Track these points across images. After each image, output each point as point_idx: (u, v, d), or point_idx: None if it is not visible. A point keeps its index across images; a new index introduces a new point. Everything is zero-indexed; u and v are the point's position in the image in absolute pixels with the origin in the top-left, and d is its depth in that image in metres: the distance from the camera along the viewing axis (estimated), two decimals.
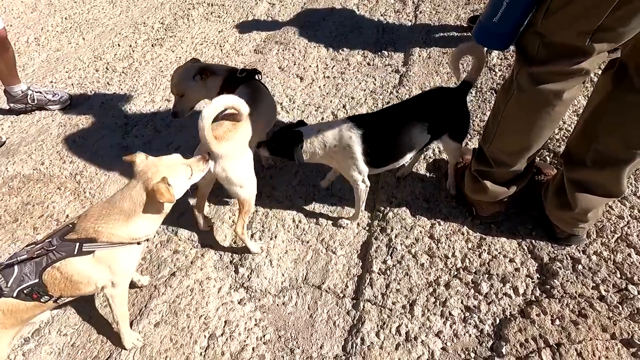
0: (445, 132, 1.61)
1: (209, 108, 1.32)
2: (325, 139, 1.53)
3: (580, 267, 1.50)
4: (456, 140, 1.64)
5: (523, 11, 1.11)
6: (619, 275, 1.47)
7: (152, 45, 3.26)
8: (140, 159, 1.27)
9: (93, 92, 2.79)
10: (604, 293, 1.42)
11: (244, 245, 1.67)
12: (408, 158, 1.62)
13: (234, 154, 1.48)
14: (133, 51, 3.22)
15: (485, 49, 2.72)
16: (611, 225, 1.61)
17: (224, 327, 1.47)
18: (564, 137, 1.98)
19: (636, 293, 1.40)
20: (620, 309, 1.37)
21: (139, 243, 1.31)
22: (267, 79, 2.74)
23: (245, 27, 3.33)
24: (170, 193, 1.21)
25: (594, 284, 1.45)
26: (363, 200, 1.69)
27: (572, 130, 1.55)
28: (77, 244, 1.20)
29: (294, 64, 2.86)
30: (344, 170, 1.60)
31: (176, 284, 1.61)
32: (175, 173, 1.29)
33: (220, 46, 3.16)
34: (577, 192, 1.41)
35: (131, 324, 1.48)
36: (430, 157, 2.03)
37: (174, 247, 1.75)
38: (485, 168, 1.52)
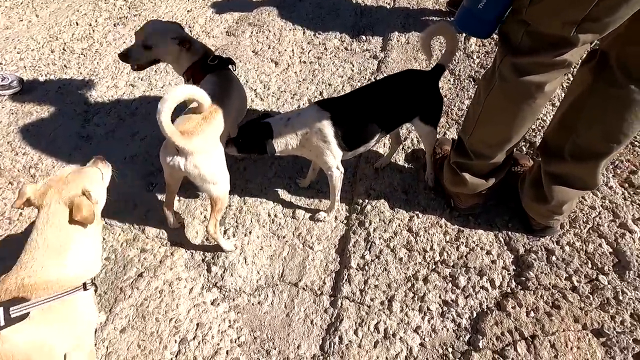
0: (417, 114, 1.58)
1: (164, 101, 1.19)
2: (295, 127, 1.48)
3: (554, 258, 1.52)
4: (428, 123, 1.61)
5: None
6: (590, 266, 1.49)
7: (115, 25, 3.03)
8: (32, 188, 1.10)
9: (48, 75, 2.56)
10: (576, 284, 1.45)
11: (216, 243, 1.58)
12: (378, 138, 1.59)
13: (206, 149, 1.39)
14: (93, 31, 2.98)
15: (464, 34, 2.68)
16: (583, 215, 1.63)
17: (195, 330, 1.40)
18: (540, 127, 1.98)
19: (606, 283, 1.43)
20: (591, 299, 1.40)
21: (85, 288, 1.09)
22: (240, 64, 2.60)
23: (216, 6, 3.14)
24: (90, 210, 1.07)
25: (567, 275, 1.47)
26: (338, 189, 1.64)
27: (549, 122, 1.54)
28: (1, 310, 0.92)
29: (269, 48, 2.73)
30: (318, 156, 1.55)
31: (144, 285, 1.51)
32: (89, 179, 1.16)
33: (189, 27, 2.96)
34: (553, 185, 1.40)
35: (95, 332, 1.39)
36: (408, 147, 1.99)
37: (141, 246, 1.65)
38: (465, 160, 1.50)
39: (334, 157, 1.54)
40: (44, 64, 2.65)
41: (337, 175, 1.59)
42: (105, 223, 1.73)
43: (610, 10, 0.94)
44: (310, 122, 1.47)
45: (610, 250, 1.53)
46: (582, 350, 1.29)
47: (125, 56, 1.66)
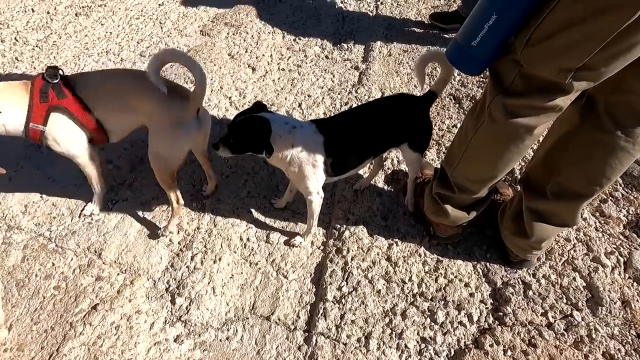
0: (405, 140, 1.53)
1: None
2: (295, 139, 1.37)
3: (530, 292, 1.50)
4: (416, 150, 1.57)
5: (506, 37, 1.00)
6: (565, 301, 1.49)
7: (76, 15, 2.77)
8: None
9: None
10: (551, 320, 1.44)
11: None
12: (366, 163, 1.56)
13: None
14: (51, 20, 2.71)
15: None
16: (559, 248, 1.64)
17: None
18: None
19: (580, 320, 1.44)
20: (566, 336, 1.40)
21: None
22: (215, 67, 2.45)
23: (190, 1, 2.95)
24: None
25: (543, 311, 1.46)
26: (317, 214, 1.56)
27: (532, 155, 1.52)
28: None
29: (246, 51, 2.58)
30: (300, 179, 1.46)
31: (98, 320, 1.37)
32: None
33: (160, 23, 2.77)
34: (534, 222, 1.38)
35: None
36: (388, 169, 1.93)
37: (96, 273, 1.49)
38: (448, 193, 1.45)
39: (317, 182, 1.46)
40: None
41: (317, 200, 1.51)
42: (56, 246, 1.55)
43: (609, 60, 0.90)
44: (306, 141, 1.39)
45: (584, 284, 1.53)
46: None
47: None
